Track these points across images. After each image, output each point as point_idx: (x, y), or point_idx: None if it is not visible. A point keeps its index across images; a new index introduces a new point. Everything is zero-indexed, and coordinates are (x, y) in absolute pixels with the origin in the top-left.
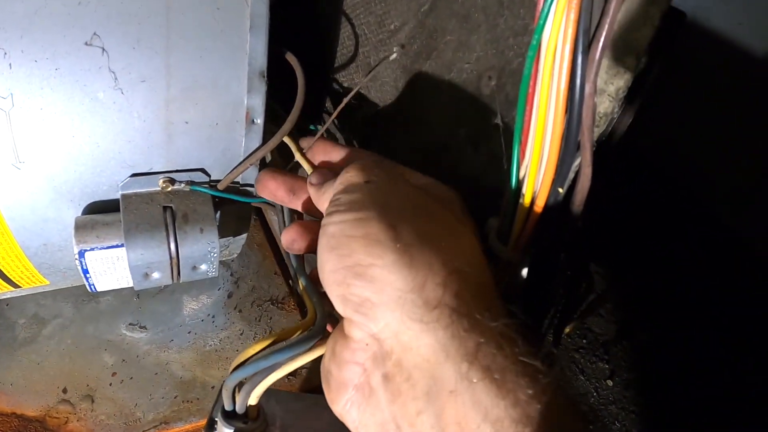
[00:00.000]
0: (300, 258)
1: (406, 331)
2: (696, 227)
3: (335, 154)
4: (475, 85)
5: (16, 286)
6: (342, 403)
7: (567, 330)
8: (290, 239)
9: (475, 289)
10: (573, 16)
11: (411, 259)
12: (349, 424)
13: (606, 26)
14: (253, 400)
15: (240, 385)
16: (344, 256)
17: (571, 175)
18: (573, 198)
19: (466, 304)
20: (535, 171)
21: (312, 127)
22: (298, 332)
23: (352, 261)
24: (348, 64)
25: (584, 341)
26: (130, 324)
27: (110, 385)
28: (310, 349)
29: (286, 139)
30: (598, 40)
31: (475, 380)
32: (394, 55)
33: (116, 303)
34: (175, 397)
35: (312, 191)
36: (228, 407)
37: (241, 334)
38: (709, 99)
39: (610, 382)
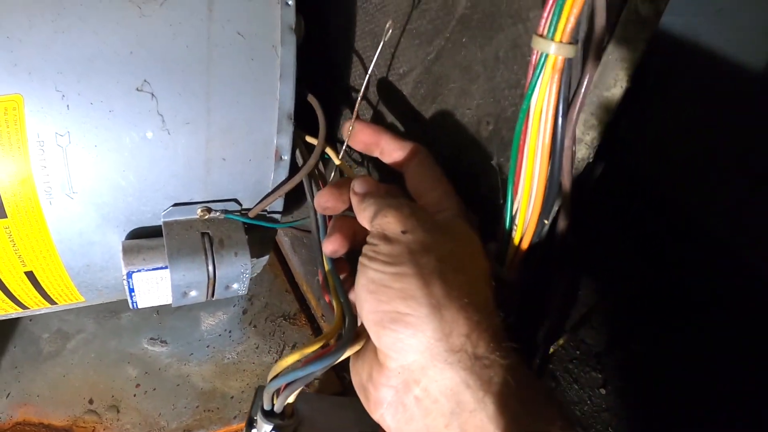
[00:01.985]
0: (338, 269)
1: (433, 368)
2: (685, 238)
3: (382, 140)
4: (475, 128)
5: (53, 302)
6: (378, 413)
7: (560, 342)
8: (333, 249)
9: (489, 335)
10: (555, 88)
11: (441, 315)
12: (385, 427)
13: (581, 95)
14: (291, 399)
15: (277, 390)
16: (383, 302)
17: (555, 209)
18: (557, 227)
19: (482, 347)
20: (526, 206)
21: (326, 156)
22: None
23: (390, 308)
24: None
25: (577, 352)
26: (151, 339)
27: (134, 396)
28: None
29: (327, 150)
30: (575, 105)
31: (488, 403)
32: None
33: (137, 319)
34: (196, 407)
35: (354, 200)
36: (267, 407)
37: (257, 348)
38: (699, 114)
39: (603, 391)
